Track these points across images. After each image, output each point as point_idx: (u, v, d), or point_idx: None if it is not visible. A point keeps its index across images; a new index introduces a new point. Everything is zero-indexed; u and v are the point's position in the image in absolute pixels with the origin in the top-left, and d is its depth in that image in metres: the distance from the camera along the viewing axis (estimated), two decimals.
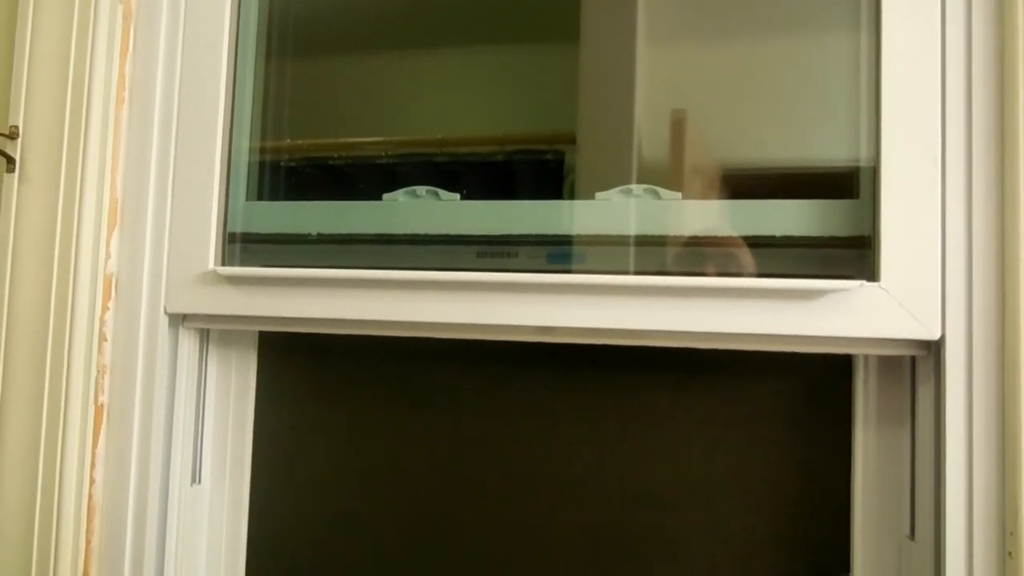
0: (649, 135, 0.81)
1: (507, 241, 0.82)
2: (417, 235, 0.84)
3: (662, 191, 0.78)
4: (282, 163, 0.92)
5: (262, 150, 0.91)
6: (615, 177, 0.80)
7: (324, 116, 0.93)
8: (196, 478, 0.91)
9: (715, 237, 0.75)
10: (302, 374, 0.94)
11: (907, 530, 0.73)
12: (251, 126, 0.90)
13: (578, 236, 0.80)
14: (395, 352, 0.91)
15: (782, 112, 0.77)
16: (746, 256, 0.74)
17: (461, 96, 0.89)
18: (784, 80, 0.77)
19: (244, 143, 0.89)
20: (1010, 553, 0.62)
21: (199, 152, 0.84)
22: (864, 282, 0.67)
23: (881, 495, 0.75)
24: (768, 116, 0.77)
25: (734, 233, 0.75)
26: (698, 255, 0.76)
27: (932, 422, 0.69)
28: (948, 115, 0.67)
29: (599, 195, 0.79)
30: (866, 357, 0.76)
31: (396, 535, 0.90)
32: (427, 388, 0.90)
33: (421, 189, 0.85)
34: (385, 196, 0.86)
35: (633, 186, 0.79)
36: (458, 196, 0.84)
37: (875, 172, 0.70)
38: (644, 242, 0.78)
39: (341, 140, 0.91)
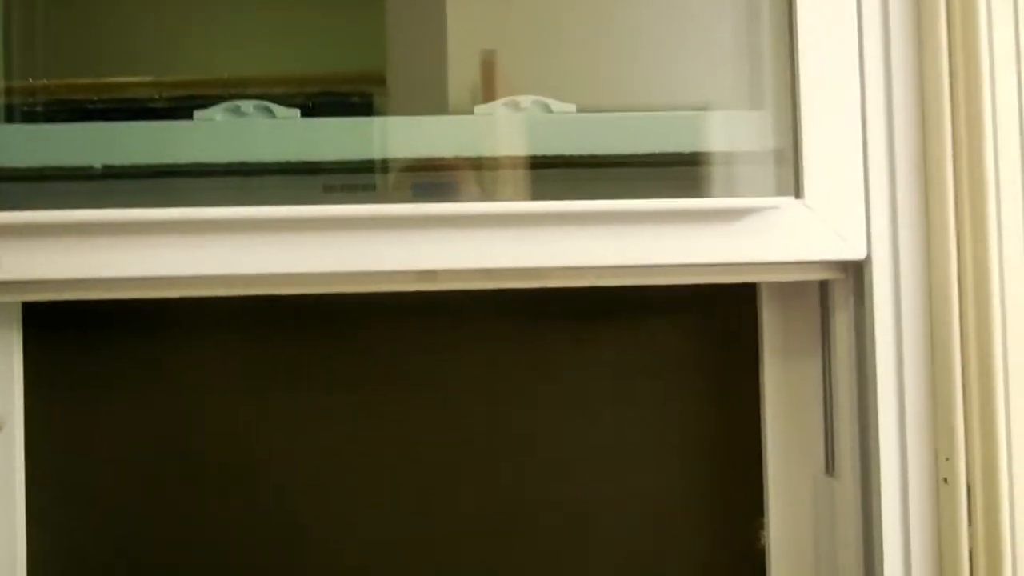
0: (465, 75, 0.70)
1: (362, 168, 0.66)
2: (244, 164, 0.66)
3: (553, 103, 0.66)
4: (37, 109, 0.69)
5: (8, 91, 0.68)
6: None
7: (86, 52, 0.72)
8: None
9: (618, 156, 0.65)
10: (87, 355, 0.75)
11: (822, 466, 0.70)
12: None
13: (450, 159, 0.66)
14: (232, 317, 0.74)
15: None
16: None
17: (251, 29, 0.74)
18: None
19: None
20: (945, 479, 0.59)
21: None
22: (792, 198, 0.61)
23: (793, 431, 0.71)
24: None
25: (634, 151, 0.66)
26: (600, 177, 0.66)
27: (852, 349, 0.66)
28: (865, 23, 0.62)
29: (478, 109, 0.66)
30: (769, 286, 0.71)
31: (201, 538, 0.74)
32: (281, 359, 0.75)
33: (247, 104, 0.66)
34: (197, 115, 0.66)
35: (521, 97, 0.66)
36: (298, 112, 0.66)
37: (793, 82, 0.63)
38: (534, 164, 0.66)
39: (102, 80, 0.71)
